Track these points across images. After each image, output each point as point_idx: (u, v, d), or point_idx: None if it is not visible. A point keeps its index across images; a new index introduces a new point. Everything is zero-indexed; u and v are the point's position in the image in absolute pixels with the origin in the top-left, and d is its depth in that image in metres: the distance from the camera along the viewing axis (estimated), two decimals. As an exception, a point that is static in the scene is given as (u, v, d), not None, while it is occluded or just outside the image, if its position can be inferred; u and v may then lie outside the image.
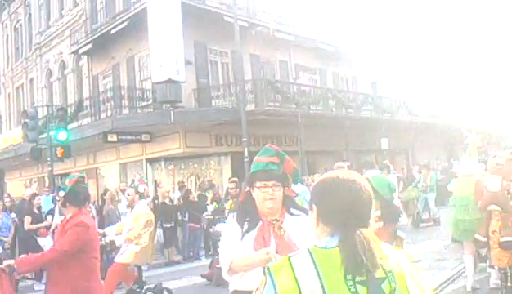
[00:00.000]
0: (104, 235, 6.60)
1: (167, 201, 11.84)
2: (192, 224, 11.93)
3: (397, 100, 24.40)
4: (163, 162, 18.36)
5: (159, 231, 11.50)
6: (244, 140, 15.64)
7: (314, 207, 1.52)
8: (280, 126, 17.63)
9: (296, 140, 18.06)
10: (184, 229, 11.96)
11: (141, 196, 7.02)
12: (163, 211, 11.58)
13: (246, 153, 15.57)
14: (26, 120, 15.02)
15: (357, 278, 1.36)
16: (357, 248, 1.37)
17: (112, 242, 6.77)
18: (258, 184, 2.73)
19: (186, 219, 11.94)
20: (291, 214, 2.84)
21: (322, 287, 1.34)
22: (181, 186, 14.71)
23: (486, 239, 5.85)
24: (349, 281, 1.35)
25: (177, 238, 12.11)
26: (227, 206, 8.94)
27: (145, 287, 6.85)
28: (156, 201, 12.43)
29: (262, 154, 2.81)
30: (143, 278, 6.91)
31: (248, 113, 15.83)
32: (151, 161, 18.35)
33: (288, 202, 2.87)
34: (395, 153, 23.26)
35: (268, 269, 1.42)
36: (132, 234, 6.50)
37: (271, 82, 18.17)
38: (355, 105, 21.12)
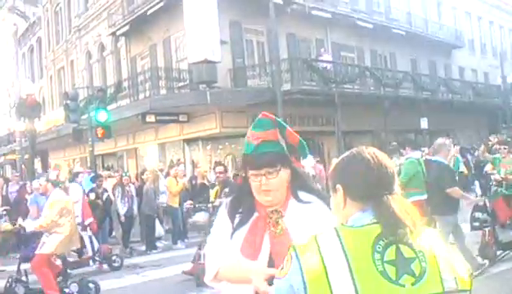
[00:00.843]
0: (14, 224, 6.69)
1: (205, 181, 11.98)
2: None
3: (437, 78, 23.74)
4: (200, 143, 18.52)
5: (197, 211, 11.66)
6: (280, 120, 15.56)
7: (339, 186, 1.49)
8: (317, 106, 17.45)
9: (333, 120, 17.86)
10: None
11: (55, 183, 7.00)
12: (201, 191, 11.73)
13: (282, 133, 15.51)
14: (67, 101, 15.42)
15: (386, 258, 1.33)
16: (393, 211, 1.36)
17: (22, 228, 6.89)
18: (250, 171, 2.07)
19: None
20: (299, 201, 2.10)
21: (349, 266, 1.31)
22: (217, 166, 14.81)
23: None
24: (378, 260, 1.33)
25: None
26: (212, 193, 7.48)
27: (70, 280, 6.86)
28: (194, 181, 12.59)
29: (255, 128, 2.10)
30: (68, 271, 6.93)
31: (284, 92, 15.73)
32: (189, 141, 18.56)
33: (296, 183, 2.11)
34: (435, 133, 22.73)
35: (294, 247, 1.40)
36: (44, 221, 6.53)
37: (308, 61, 17.96)
38: (393, 84, 20.67)
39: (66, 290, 6.66)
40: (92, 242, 8.73)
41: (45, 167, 27.54)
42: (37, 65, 32.95)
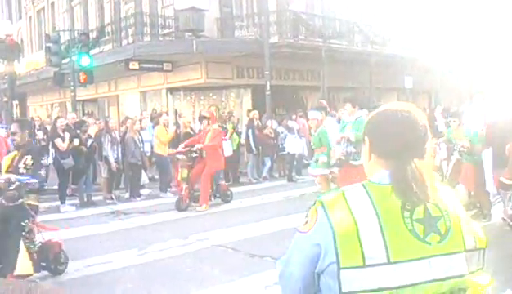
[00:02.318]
0: None
1: (189, 131, 11.91)
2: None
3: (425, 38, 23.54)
4: (182, 93, 18.33)
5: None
6: (267, 73, 15.45)
7: (366, 138, 1.48)
8: (303, 61, 17.31)
9: (318, 75, 17.78)
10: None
11: None
12: (185, 140, 11.69)
13: (268, 87, 15.44)
14: (49, 44, 14.99)
15: (415, 216, 1.34)
16: (407, 177, 1.35)
17: None
18: None
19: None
20: None
21: (380, 223, 1.31)
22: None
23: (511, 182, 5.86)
24: (407, 218, 1.33)
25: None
26: (5, 163, 5.50)
27: None
28: (178, 130, 12.54)
29: None
30: None
31: (271, 45, 15.52)
32: (172, 90, 18.34)
33: None
34: (417, 93, 22.82)
35: (321, 202, 1.37)
36: None
37: (297, 14, 17.64)
38: (381, 41, 20.46)
39: None
40: None
41: (23, 110, 27.02)
42: (15, 6, 31.74)
